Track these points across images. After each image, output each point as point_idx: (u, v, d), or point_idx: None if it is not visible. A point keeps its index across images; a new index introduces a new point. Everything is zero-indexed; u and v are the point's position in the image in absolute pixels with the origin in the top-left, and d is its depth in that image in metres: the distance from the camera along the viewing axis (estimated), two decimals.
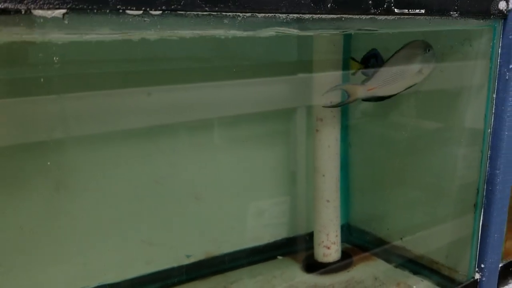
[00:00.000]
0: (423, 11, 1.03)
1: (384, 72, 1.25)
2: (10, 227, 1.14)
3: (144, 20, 0.71)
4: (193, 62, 1.30)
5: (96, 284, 1.29)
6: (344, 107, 1.51)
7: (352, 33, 1.45)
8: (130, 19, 0.71)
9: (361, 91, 1.24)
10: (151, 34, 0.76)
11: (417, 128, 1.45)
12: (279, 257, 1.55)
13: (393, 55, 1.26)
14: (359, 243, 1.63)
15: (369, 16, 0.97)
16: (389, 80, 1.25)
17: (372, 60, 1.32)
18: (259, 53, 1.40)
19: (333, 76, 1.35)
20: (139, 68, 1.22)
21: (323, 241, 1.45)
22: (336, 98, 1.31)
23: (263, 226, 1.53)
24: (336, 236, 1.46)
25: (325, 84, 1.32)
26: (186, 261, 1.42)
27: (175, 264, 1.40)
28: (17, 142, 1.10)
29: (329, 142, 1.35)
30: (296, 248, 1.58)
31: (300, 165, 1.53)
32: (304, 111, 1.47)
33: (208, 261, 1.44)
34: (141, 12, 0.70)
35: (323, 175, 1.39)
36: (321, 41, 1.31)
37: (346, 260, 1.51)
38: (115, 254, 1.30)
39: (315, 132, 1.36)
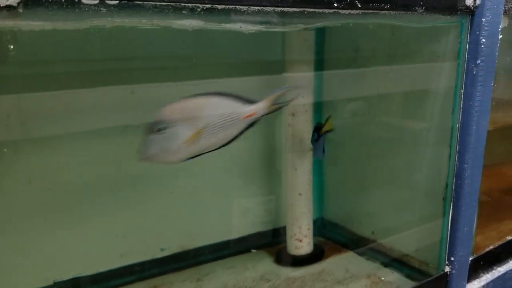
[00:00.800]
0: (387, 6, 1.05)
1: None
2: None
3: (101, 10, 0.72)
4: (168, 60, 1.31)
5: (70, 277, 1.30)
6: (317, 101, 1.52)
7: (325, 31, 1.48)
8: (87, 9, 0.72)
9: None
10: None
11: (388, 125, 1.47)
12: (253, 251, 1.56)
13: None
14: (332, 236, 1.65)
15: (332, 10, 0.98)
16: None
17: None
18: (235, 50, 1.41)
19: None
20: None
21: (295, 234, 1.47)
22: None
23: (237, 220, 1.54)
24: (308, 229, 1.48)
25: (297, 78, 1.34)
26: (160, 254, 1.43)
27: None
28: None
29: (301, 136, 1.37)
30: (270, 241, 1.60)
31: (274, 159, 1.54)
32: None
33: (183, 254, 1.45)
34: (97, 1, 0.71)
35: (296, 169, 1.40)
36: (293, 37, 1.32)
37: (318, 253, 1.52)
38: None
39: (287, 127, 1.38)
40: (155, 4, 0.76)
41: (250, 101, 1.04)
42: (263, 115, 1.06)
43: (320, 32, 1.47)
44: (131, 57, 1.26)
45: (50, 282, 1.29)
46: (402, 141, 1.44)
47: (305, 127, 1.38)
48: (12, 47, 0.85)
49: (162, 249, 1.43)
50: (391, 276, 1.43)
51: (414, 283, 1.39)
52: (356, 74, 1.48)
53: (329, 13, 0.99)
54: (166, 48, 1.29)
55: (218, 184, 1.48)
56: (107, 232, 1.35)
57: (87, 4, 0.71)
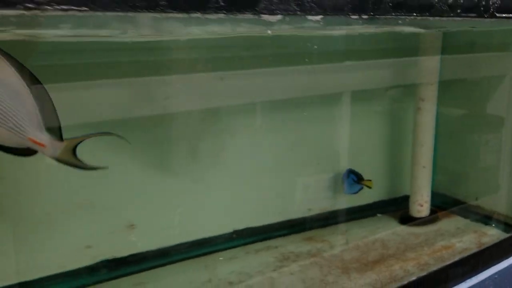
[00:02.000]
0: None
1: None
2: None
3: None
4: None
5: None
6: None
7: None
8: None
9: None
10: None
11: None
12: (378, 215, 1.91)
13: None
14: (440, 204, 1.98)
15: (478, 19, 1.33)
16: None
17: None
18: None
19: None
20: None
21: (417, 200, 1.81)
22: None
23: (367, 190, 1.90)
24: (428, 196, 1.82)
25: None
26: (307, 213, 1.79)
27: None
28: None
29: (428, 118, 1.72)
30: (392, 208, 1.95)
31: (402, 136, 1.89)
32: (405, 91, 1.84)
33: (326, 214, 1.81)
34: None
35: (422, 145, 1.75)
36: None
37: (433, 216, 1.86)
38: None
39: (417, 110, 1.73)
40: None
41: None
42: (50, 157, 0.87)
43: None
44: None
45: (231, 230, 1.66)
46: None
47: (432, 111, 1.72)
48: None
49: (309, 209, 1.79)
50: (492, 231, 1.76)
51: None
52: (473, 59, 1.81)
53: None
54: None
55: (358, 158, 1.83)
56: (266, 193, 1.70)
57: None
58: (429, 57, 1.68)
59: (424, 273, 1.45)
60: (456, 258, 1.51)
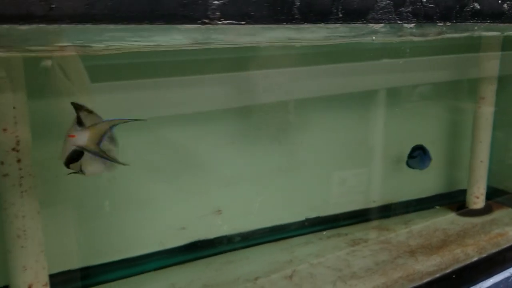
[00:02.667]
0: None
1: None
2: None
3: None
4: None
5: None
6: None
7: None
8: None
9: None
10: None
11: None
12: (436, 207, 2.05)
13: None
14: (490, 197, 2.10)
15: None
16: None
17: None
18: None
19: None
20: None
21: (474, 192, 1.95)
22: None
23: (425, 183, 2.03)
24: (484, 189, 1.95)
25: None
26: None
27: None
28: None
29: (487, 115, 1.85)
30: (448, 201, 2.08)
31: (460, 133, 2.03)
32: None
33: (389, 205, 1.96)
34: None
35: (480, 142, 1.88)
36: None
37: (488, 207, 1.99)
38: None
39: (477, 108, 1.86)
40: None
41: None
42: (83, 149, 0.89)
43: None
44: None
45: (303, 218, 1.82)
46: None
47: (490, 109, 1.85)
48: None
49: (374, 201, 1.94)
50: None
51: None
52: None
53: None
54: None
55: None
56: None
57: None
58: (490, 54, 1.81)
59: (483, 255, 1.59)
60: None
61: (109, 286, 1.45)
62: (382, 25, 1.04)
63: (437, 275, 1.47)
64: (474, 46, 1.83)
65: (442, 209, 2.04)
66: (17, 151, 1.06)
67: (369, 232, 1.82)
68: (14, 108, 1.04)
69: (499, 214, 1.97)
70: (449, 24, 1.19)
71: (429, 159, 1.82)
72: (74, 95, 1.23)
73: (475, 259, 1.59)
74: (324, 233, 1.81)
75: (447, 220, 1.92)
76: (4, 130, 1.04)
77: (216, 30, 0.85)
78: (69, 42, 0.85)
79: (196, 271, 1.54)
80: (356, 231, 1.82)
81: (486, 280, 1.54)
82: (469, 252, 1.63)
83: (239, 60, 1.49)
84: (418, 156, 1.81)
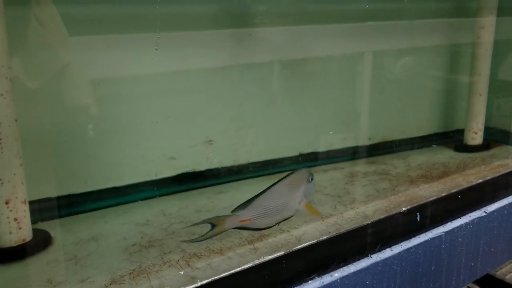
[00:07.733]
0: None
1: (264, 202, 1.09)
2: None
3: None
4: None
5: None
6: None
7: None
8: None
9: (230, 223, 1.07)
10: None
11: None
12: (433, 146, 1.99)
13: (275, 183, 1.14)
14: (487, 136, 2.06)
15: None
16: (266, 212, 1.09)
17: None
18: None
19: None
20: None
21: (472, 128, 1.89)
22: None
23: (424, 121, 1.97)
24: (482, 124, 1.89)
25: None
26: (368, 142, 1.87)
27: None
28: None
29: (486, 46, 1.79)
30: (445, 140, 2.03)
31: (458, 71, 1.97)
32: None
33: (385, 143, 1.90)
34: None
35: (479, 74, 1.82)
36: None
37: (486, 144, 1.94)
38: None
39: (476, 39, 1.80)
40: None
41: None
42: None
43: None
44: None
45: (297, 153, 1.74)
46: None
47: (489, 40, 1.79)
48: None
49: (369, 138, 1.87)
50: None
51: None
52: None
53: None
54: None
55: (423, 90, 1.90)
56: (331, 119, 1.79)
57: None
58: None
59: (487, 179, 1.54)
60: None
61: (97, 213, 1.36)
62: None
63: (443, 194, 1.41)
64: None
65: (440, 147, 1.98)
66: None
67: (366, 166, 1.75)
68: None
69: (498, 150, 1.92)
70: None
71: None
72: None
73: (480, 180, 1.53)
74: (320, 167, 1.74)
75: (445, 155, 1.87)
76: None
77: None
78: None
79: (188, 200, 1.46)
80: (353, 166, 1.76)
81: (491, 205, 1.49)
82: (471, 180, 1.58)
83: None
84: None
